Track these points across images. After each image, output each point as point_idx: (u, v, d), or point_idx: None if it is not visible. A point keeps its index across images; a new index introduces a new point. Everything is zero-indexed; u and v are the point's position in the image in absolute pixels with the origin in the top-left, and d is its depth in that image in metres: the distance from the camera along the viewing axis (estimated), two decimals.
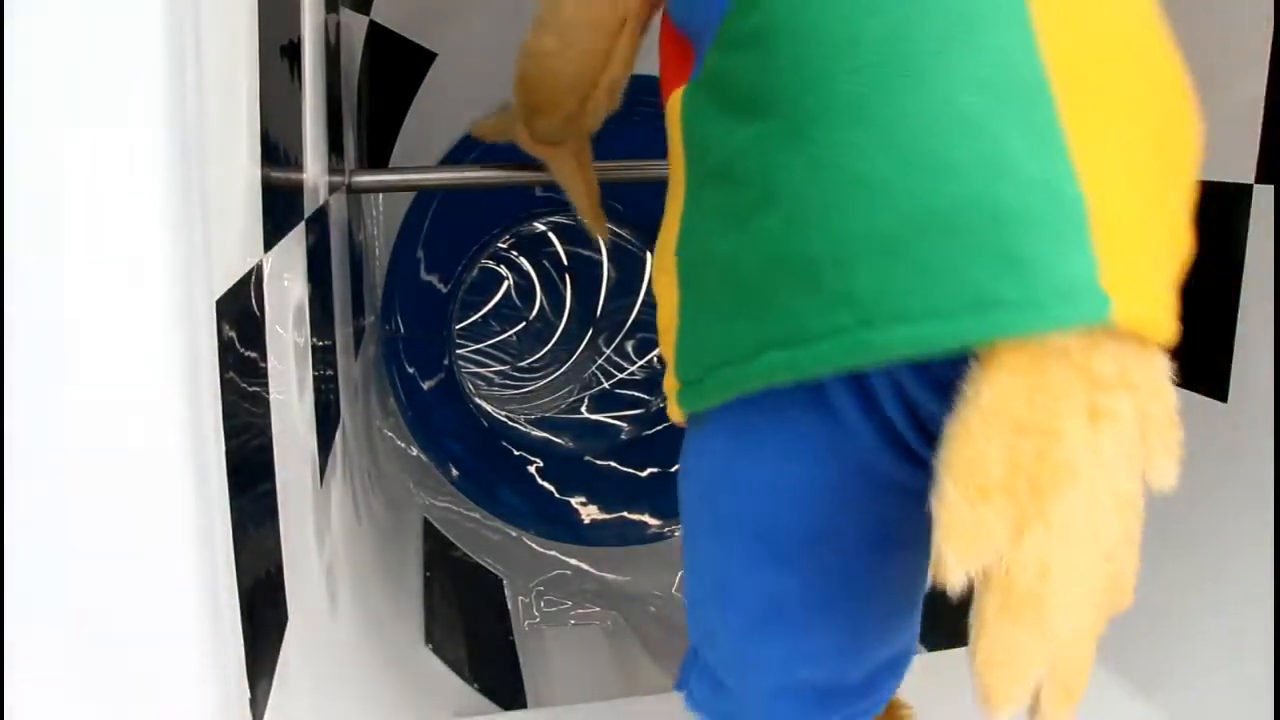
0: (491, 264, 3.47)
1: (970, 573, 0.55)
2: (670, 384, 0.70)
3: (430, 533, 1.56)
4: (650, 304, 2.45)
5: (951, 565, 0.54)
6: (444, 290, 2.48)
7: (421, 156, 1.76)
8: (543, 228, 3.13)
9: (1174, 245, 0.63)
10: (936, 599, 1.34)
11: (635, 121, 2.05)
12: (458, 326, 3.00)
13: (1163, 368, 0.64)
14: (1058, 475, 0.54)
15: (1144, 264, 0.58)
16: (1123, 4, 0.64)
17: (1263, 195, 0.99)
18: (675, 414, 0.72)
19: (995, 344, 0.53)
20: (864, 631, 0.75)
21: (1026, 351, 0.53)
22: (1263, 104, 0.98)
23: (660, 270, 0.70)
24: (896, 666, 0.87)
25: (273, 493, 0.65)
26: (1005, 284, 0.52)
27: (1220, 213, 1.04)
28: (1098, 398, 0.57)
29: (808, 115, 0.55)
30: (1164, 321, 0.62)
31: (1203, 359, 1.07)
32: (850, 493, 0.65)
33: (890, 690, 0.89)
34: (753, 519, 0.68)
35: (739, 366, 0.59)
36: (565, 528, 2.12)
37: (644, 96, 1.80)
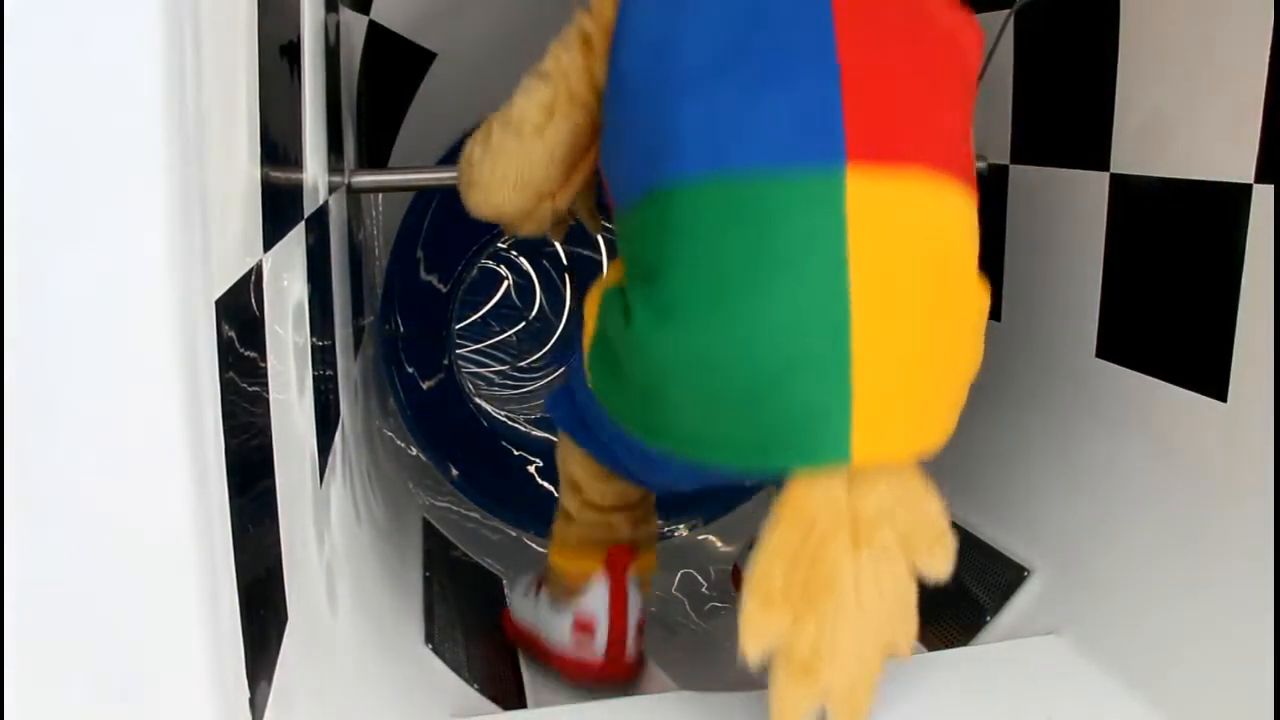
0: (491, 264, 3.47)
1: (765, 654, 0.82)
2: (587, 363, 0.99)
3: (430, 533, 1.56)
4: None
5: (750, 651, 0.82)
6: (444, 290, 2.48)
7: (421, 156, 1.76)
8: None
9: (935, 411, 0.87)
10: (937, 599, 1.35)
11: None
12: (458, 326, 3.00)
13: (917, 483, 0.85)
14: (824, 587, 0.80)
15: (898, 421, 0.81)
16: (932, 235, 0.84)
17: (1263, 195, 0.99)
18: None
19: (791, 475, 0.81)
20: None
21: (807, 494, 0.80)
22: (1262, 104, 0.98)
23: (590, 301, 1.00)
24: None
25: (273, 492, 0.65)
26: (787, 438, 0.80)
27: (1220, 213, 1.04)
28: (859, 531, 0.81)
29: (675, 309, 0.80)
30: (914, 451, 0.84)
31: (1203, 359, 1.07)
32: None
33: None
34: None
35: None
36: None
37: None
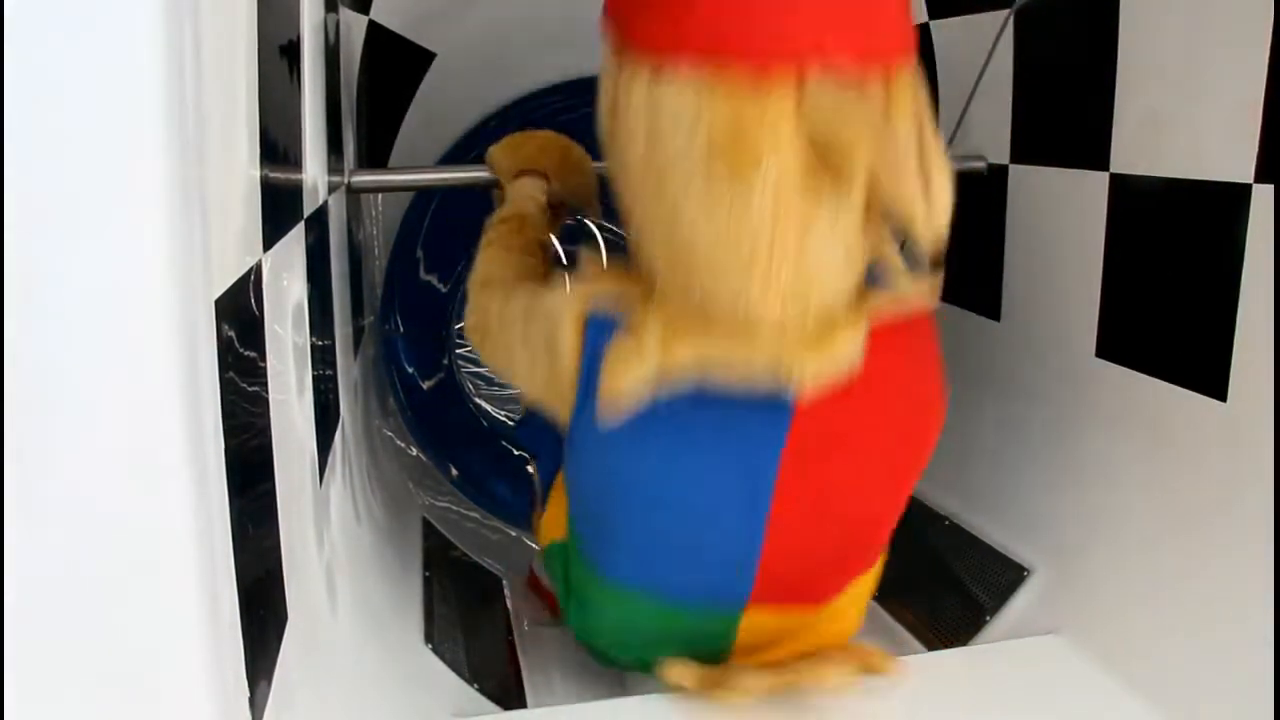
0: None
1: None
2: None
3: (430, 533, 1.56)
4: None
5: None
6: (444, 290, 2.48)
7: (421, 156, 1.76)
8: None
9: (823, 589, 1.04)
10: (937, 599, 1.34)
11: None
12: (457, 326, 2.99)
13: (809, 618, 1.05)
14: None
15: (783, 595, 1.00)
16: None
17: (1263, 195, 0.99)
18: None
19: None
20: None
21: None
22: (1262, 104, 0.98)
23: (555, 490, 1.19)
24: None
25: (273, 493, 0.65)
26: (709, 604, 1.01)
27: (1220, 213, 1.04)
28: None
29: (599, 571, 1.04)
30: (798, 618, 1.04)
31: (1203, 359, 1.07)
32: None
33: None
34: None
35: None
36: None
37: None
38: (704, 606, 1.00)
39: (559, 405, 0.95)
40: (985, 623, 1.28)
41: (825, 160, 0.78)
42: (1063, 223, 1.33)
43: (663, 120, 0.79)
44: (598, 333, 0.87)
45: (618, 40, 0.84)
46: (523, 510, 2.11)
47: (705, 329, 0.83)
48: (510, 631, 1.42)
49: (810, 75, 0.76)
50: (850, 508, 0.96)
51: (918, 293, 0.92)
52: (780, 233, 0.78)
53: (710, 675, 0.95)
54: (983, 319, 1.53)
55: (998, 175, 1.47)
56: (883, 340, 0.87)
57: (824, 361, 0.83)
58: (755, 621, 1.00)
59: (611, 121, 0.86)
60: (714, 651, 1.01)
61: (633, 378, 0.85)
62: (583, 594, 1.07)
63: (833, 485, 0.94)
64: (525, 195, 1.25)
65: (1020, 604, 1.27)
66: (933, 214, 0.80)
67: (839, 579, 1.03)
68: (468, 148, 1.82)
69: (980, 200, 1.51)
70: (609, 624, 1.07)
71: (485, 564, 1.63)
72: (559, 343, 0.90)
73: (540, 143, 1.29)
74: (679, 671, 0.95)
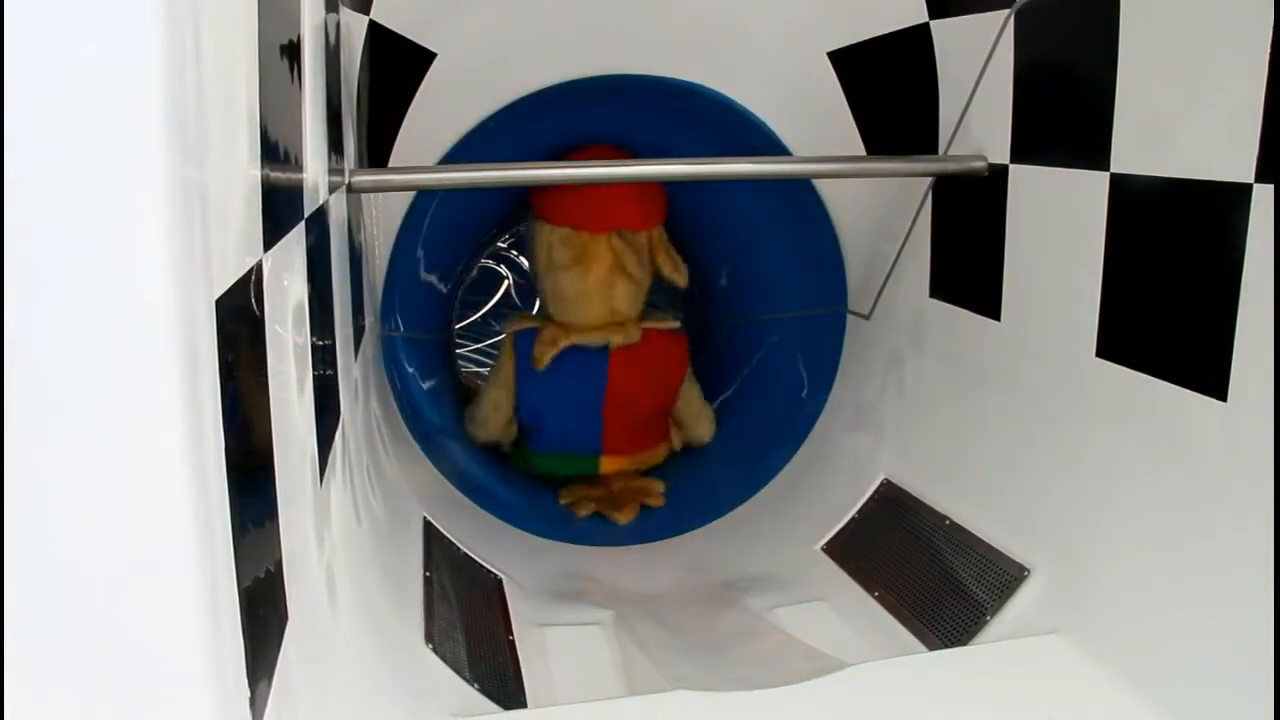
0: (491, 264, 3.47)
1: None
2: None
3: (430, 533, 1.56)
4: (649, 303, 2.45)
5: None
6: (444, 290, 2.48)
7: (421, 156, 1.76)
8: None
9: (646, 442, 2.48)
10: (937, 598, 1.34)
11: (640, 122, 2.04)
12: (458, 326, 3.00)
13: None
14: None
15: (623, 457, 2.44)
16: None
17: (1263, 195, 0.99)
18: None
19: None
20: None
21: None
22: (1262, 104, 0.98)
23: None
24: None
25: (273, 492, 0.65)
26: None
27: (1220, 213, 1.05)
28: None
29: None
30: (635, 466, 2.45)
31: (1203, 359, 1.07)
32: None
33: None
34: None
35: None
36: (565, 528, 2.12)
37: (657, 99, 1.79)
38: (581, 455, 2.39)
39: (504, 389, 2.40)
40: (985, 623, 1.28)
41: (621, 260, 2.30)
42: (1063, 223, 1.33)
43: (555, 247, 2.31)
44: (523, 339, 2.39)
45: (537, 211, 2.34)
46: (523, 510, 2.11)
47: (572, 330, 2.35)
48: (510, 631, 1.42)
49: (616, 231, 2.29)
50: (639, 403, 2.39)
51: (664, 317, 2.46)
52: (602, 289, 2.32)
53: (582, 490, 2.30)
54: (983, 319, 1.53)
55: (998, 175, 1.47)
56: (649, 334, 2.39)
57: (623, 338, 2.35)
58: (608, 461, 2.39)
59: (534, 247, 2.38)
60: (591, 476, 2.38)
61: (545, 351, 2.33)
62: (525, 455, 2.43)
63: (630, 392, 2.37)
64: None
65: (1020, 604, 1.27)
66: (679, 278, 2.39)
67: (645, 439, 2.44)
68: (468, 148, 1.82)
69: (980, 200, 1.51)
70: (538, 468, 2.41)
71: (485, 564, 1.63)
72: (502, 352, 2.46)
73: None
74: (567, 494, 2.30)
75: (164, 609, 0.47)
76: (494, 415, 2.34)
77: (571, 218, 2.23)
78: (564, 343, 2.28)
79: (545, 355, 2.27)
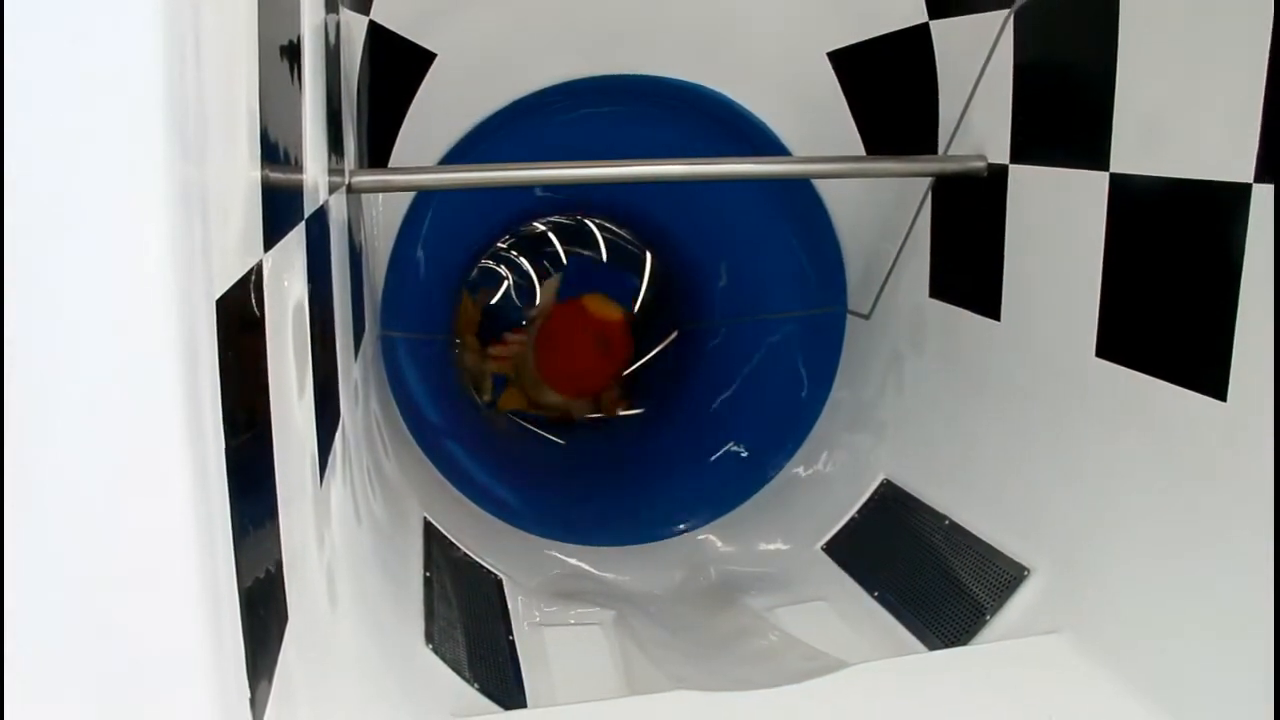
0: (491, 264, 3.47)
1: None
2: None
3: (430, 533, 1.56)
4: (648, 302, 2.45)
5: None
6: (444, 290, 2.48)
7: (421, 156, 1.76)
8: (542, 228, 3.14)
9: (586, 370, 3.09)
10: (937, 598, 1.34)
11: (640, 122, 2.03)
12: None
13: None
14: None
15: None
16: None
17: (1263, 195, 0.99)
18: None
19: None
20: None
21: None
22: (1262, 104, 0.98)
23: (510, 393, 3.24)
24: None
25: (273, 492, 0.65)
26: None
27: (1220, 213, 1.05)
28: None
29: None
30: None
31: (1203, 359, 1.07)
32: None
33: None
34: None
35: None
36: (565, 528, 2.12)
37: (657, 99, 1.79)
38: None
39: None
40: (985, 623, 1.28)
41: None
42: (1062, 223, 1.33)
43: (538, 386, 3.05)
44: (498, 381, 3.07)
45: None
46: (523, 510, 2.11)
47: (531, 391, 3.03)
48: (510, 631, 1.42)
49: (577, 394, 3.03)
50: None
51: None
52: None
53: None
54: (983, 319, 1.53)
55: (997, 175, 1.47)
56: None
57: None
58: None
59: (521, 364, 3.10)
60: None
61: (512, 403, 3.01)
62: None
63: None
64: None
65: (1020, 604, 1.27)
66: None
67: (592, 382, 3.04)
68: (468, 148, 1.82)
69: (980, 200, 1.51)
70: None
71: (485, 564, 1.63)
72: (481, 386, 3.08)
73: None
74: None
75: (164, 609, 0.47)
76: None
77: (551, 380, 3.00)
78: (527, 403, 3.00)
79: (510, 404, 2.98)
